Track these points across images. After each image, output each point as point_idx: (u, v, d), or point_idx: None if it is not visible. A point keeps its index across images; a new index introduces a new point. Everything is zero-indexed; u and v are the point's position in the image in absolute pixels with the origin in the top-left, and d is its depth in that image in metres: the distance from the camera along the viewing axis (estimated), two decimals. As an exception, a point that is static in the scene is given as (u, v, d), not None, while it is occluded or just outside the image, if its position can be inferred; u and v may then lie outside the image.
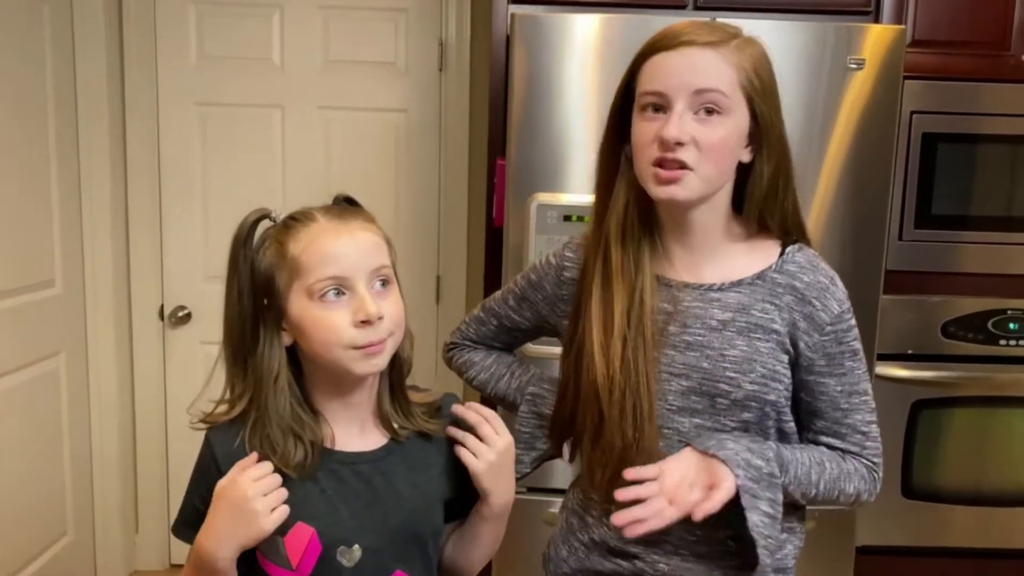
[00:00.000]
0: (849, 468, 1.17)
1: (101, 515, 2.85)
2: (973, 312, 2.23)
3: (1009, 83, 2.17)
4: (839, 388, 1.16)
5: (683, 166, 1.08)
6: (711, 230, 1.16)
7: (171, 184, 2.81)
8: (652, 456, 1.13)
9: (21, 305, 2.44)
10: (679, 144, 1.07)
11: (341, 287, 1.04)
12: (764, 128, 1.11)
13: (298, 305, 1.05)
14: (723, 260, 1.17)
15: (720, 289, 1.16)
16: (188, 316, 2.85)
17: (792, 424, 1.18)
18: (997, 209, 2.23)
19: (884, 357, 2.19)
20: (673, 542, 1.18)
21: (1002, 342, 2.24)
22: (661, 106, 1.09)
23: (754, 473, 1.08)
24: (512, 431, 1.19)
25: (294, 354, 1.10)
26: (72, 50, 2.61)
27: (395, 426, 1.13)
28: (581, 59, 1.99)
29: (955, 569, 2.31)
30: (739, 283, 1.16)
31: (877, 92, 1.98)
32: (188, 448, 3.15)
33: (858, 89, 1.98)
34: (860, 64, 1.95)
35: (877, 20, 2.14)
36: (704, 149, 1.08)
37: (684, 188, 1.09)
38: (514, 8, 2.12)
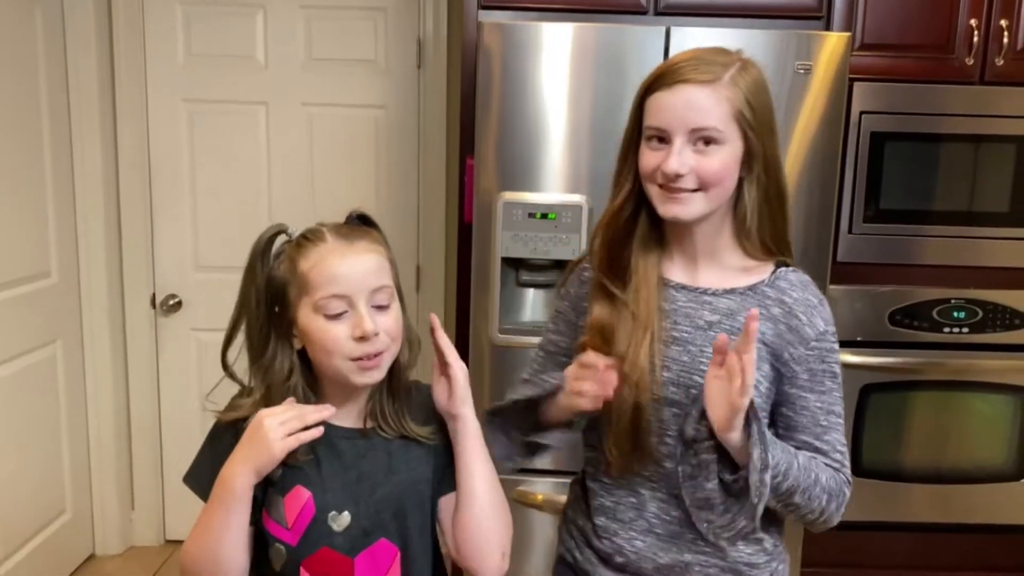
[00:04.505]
0: (820, 463, 1.22)
1: (98, 494, 2.97)
2: (919, 301, 2.35)
3: (953, 84, 2.28)
4: (819, 404, 1.24)
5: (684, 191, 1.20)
6: (710, 241, 1.27)
7: (161, 178, 2.91)
8: (660, 413, 1.23)
9: (18, 295, 2.57)
10: (679, 176, 1.19)
11: (343, 304, 1.14)
12: (754, 153, 1.21)
13: (305, 317, 1.16)
14: (720, 270, 1.28)
15: (713, 294, 1.26)
16: (179, 304, 2.97)
17: None
18: (942, 204, 2.34)
19: (835, 344, 2.31)
20: (648, 519, 1.27)
21: (946, 329, 2.36)
22: (663, 139, 1.21)
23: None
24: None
25: (306, 355, 1.20)
26: (64, 50, 2.71)
27: (384, 427, 1.23)
28: (545, 65, 2.09)
29: (901, 542, 2.46)
30: (732, 291, 1.26)
31: (825, 95, 2.09)
32: (180, 428, 3.27)
33: (807, 92, 2.09)
34: (807, 69, 2.06)
35: (828, 25, 2.24)
36: (703, 176, 1.19)
37: (687, 208, 1.21)
38: (483, 15, 2.22)
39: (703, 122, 1.18)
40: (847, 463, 1.26)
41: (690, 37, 2.04)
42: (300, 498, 1.17)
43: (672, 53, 2.06)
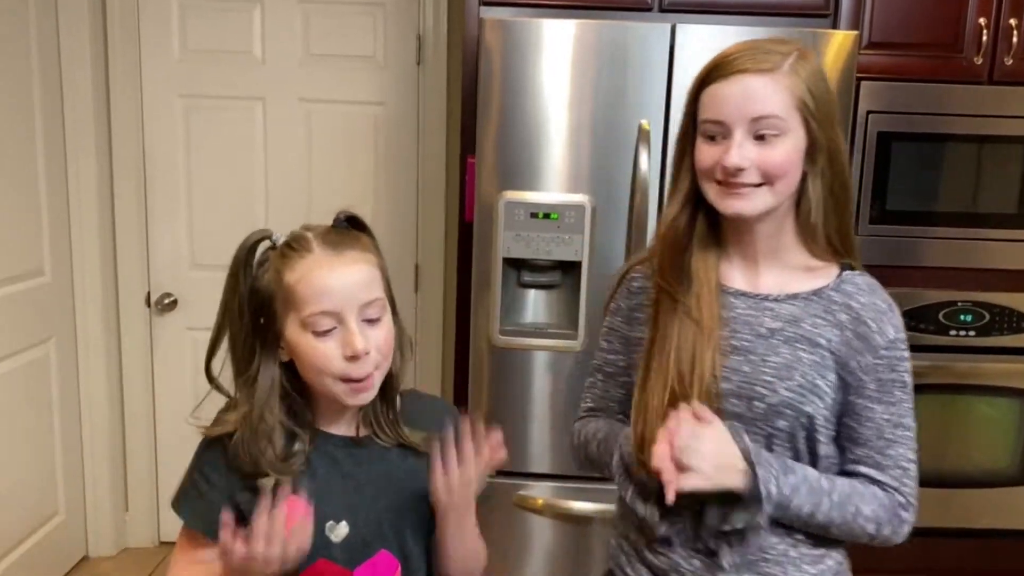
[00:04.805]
0: (865, 491, 1.17)
1: (92, 495, 2.94)
2: (925, 304, 2.32)
3: (961, 84, 2.24)
4: (886, 416, 1.17)
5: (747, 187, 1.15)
6: (772, 241, 1.20)
7: (156, 175, 2.88)
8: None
9: (12, 294, 2.53)
10: (740, 170, 1.13)
11: (332, 320, 1.09)
12: (818, 144, 1.15)
13: (293, 333, 1.11)
14: (781, 273, 1.21)
15: (775, 300, 1.20)
16: (174, 303, 2.93)
17: (827, 447, 1.19)
18: (949, 205, 2.31)
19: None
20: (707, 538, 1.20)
21: (952, 332, 2.33)
22: (721, 133, 1.15)
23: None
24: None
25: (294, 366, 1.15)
26: (57, 44, 2.67)
27: (379, 435, 1.20)
28: (548, 62, 2.06)
29: (904, 546, 2.40)
30: (795, 296, 1.19)
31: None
32: (174, 428, 3.24)
33: (814, 91, 2.06)
34: (815, 68, 2.03)
35: (835, 23, 2.21)
36: (767, 169, 1.13)
37: (750, 203, 1.15)
38: (484, 11, 2.18)
39: (764, 110, 1.12)
40: (909, 480, 1.18)
41: (696, 35, 2.01)
42: (297, 508, 1.11)
43: (678, 52, 2.03)
